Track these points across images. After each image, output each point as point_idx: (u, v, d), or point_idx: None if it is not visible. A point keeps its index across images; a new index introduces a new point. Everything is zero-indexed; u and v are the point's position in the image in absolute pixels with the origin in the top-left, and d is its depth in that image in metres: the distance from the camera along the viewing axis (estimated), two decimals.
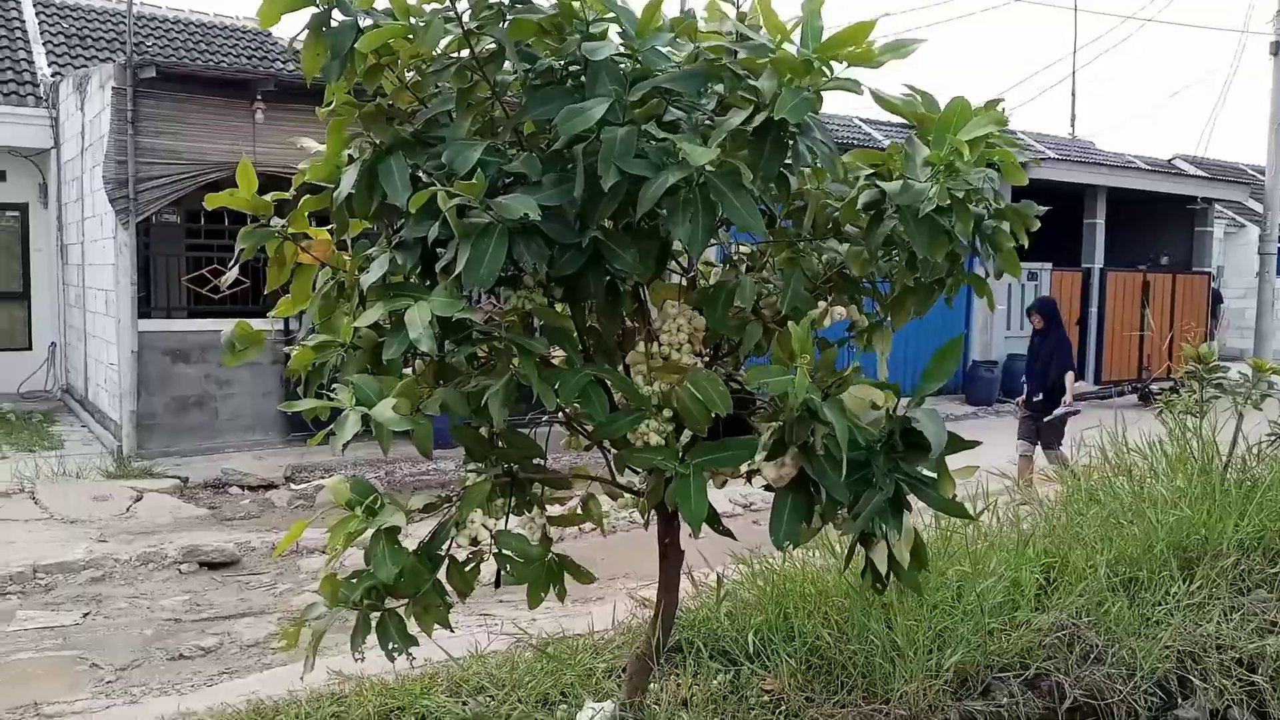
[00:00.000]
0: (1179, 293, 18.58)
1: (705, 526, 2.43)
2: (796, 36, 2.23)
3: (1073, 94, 31.86)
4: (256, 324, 2.76)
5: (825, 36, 2.20)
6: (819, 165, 2.43)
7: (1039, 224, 2.56)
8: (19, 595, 6.04)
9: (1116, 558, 4.58)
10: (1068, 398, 9.03)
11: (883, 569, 2.48)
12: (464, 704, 3.35)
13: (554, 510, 2.98)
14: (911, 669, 3.54)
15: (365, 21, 2.28)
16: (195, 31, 16.53)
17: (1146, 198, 18.73)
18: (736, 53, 2.32)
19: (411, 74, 2.52)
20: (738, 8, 2.43)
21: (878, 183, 2.43)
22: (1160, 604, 4.33)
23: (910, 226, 2.27)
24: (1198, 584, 4.47)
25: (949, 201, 2.21)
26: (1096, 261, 17.67)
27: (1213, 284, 20.40)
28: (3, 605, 5.85)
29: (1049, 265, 16.85)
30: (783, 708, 3.40)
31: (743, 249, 2.88)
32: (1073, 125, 27.78)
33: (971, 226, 2.33)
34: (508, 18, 2.30)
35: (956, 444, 2.35)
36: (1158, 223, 19.79)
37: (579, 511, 3.04)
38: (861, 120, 20.96)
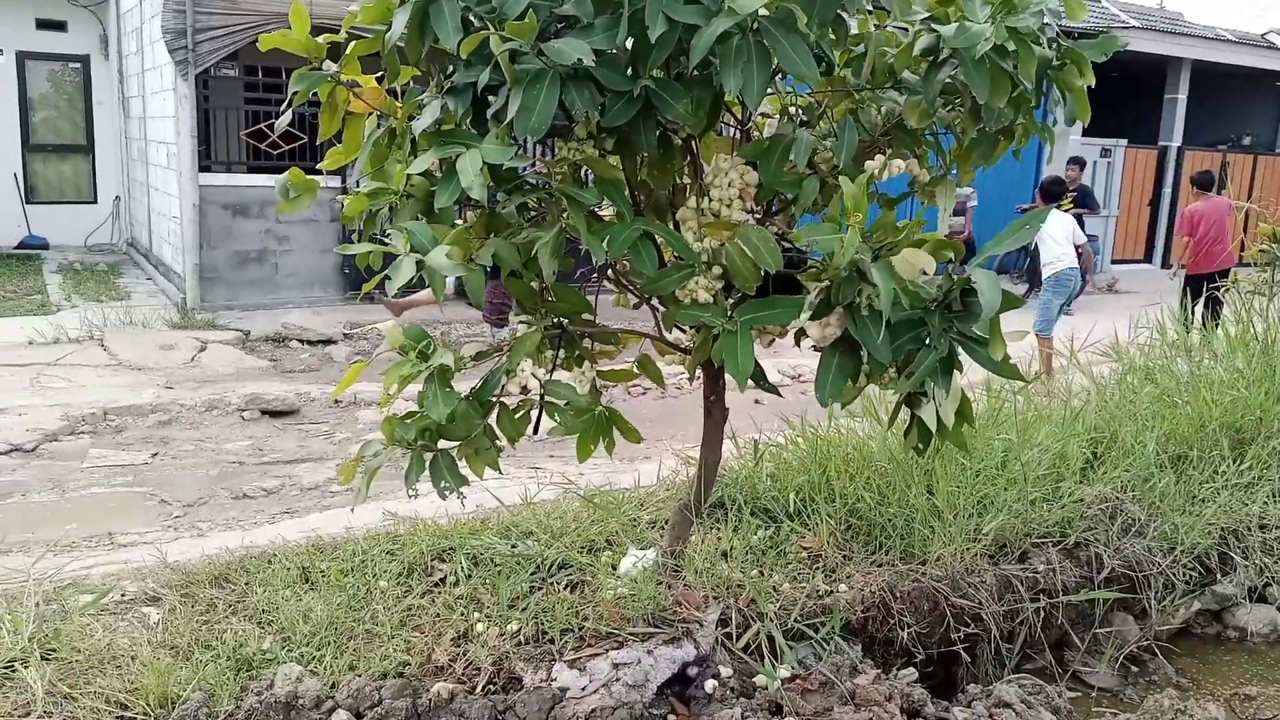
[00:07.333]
0: (1259, 174, 17.82)
1: (750, 384, 2.45)
2: None
3: None
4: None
5: None
6: (881, 6, 2.34)
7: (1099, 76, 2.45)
8: (91, 435, 6.32)
9: (1167, 435, 4.55)
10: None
11: (932, 427, 2.49)
12: (513, 546, 3.48)
13: (604, 366, 3.02)
14: (950, 532, 3.60)
15: None
16: None
17: (1234, 72, 17.78)
18: None
19: None
20: None
21: (933, 25, 2.34)
22: (1208, 482, 4.31)
23: (969, 71, 2.19)
24: (1248, 464, 4.44)
25: (1008, 42, 2.13)
26: (1175, 140, 16.94)
27: None
28: (76, 444, 6.13)
29: (1124, 142, 16.21)
30: (820, 564, 3.49)
31: (799, 101, 2.81)
32: None
33: (1035, 69, 2.24)
34: None
35: (1009, 302, 2.32)
36: (1244, 101, 18.84)
37: (635, 369, 3.06)
38: None
